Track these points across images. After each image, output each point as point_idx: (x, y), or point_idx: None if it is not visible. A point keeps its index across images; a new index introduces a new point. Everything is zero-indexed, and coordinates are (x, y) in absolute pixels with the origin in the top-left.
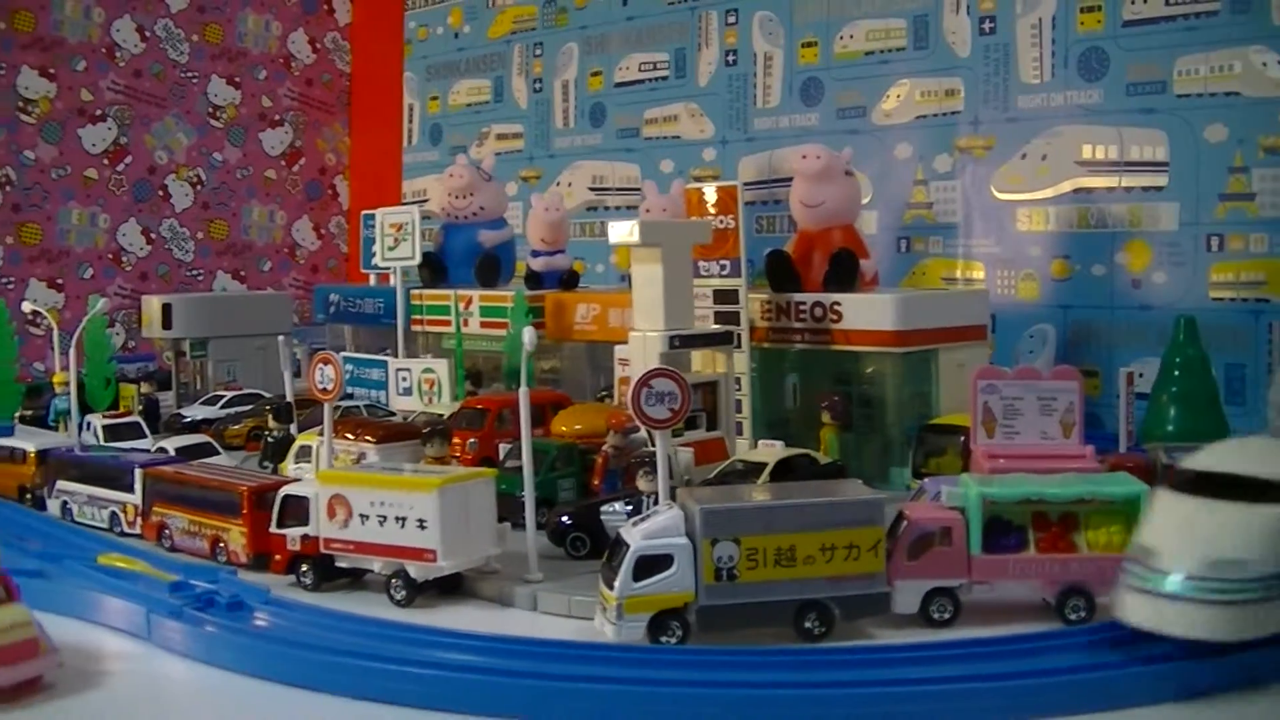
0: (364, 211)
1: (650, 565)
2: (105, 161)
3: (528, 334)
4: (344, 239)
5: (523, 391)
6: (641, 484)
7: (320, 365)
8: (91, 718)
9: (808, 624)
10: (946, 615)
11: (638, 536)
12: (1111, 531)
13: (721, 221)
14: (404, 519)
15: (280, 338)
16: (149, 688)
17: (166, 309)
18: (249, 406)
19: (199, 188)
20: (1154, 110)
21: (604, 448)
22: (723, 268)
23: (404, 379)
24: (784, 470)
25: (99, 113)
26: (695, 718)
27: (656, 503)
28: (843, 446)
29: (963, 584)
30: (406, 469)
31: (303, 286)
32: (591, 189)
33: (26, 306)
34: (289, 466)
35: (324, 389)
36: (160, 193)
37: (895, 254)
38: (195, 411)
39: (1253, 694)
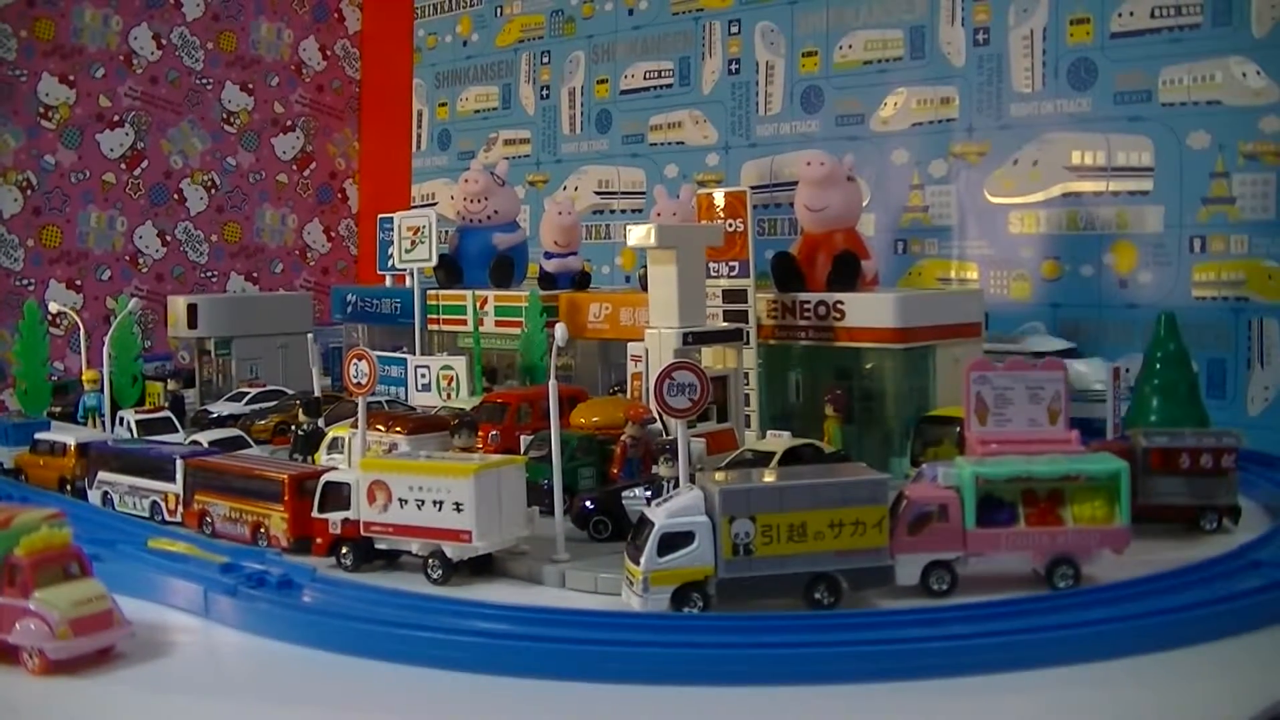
0: (381, 215)
1: (673, 541)
2: (123, 166)
3: (559, 329)
4: (354, 242)
5: (551, 384)
6: (662, 469)
7: (355, 360)
8: (161, 683)
9: (818, 595)
10: (945, 586)
11: (662, 515)
12: (1095, 505)
13: (731, 225)
14: (441, 503)
15: (309, 336)
16: (210, 657)
17: (192, 309)
18: (273, 403)
19: (213, 191)
20: (1140, 118)
21: (623, 438)
22: (731, 269)
23: (423, 375)
24: (791, 458)
25: (117, 118)
26: (716, 676)
27: (676, 486)
28: (845, 438)
29: (959, 557)
30: (443, 457)
31: (313, 288)
32: (598, 193)
33: (53, 307)
34: (322, 457)
35: (358, 383)
36: (176, 196)
37: (893, 255)
38: (221, 408)
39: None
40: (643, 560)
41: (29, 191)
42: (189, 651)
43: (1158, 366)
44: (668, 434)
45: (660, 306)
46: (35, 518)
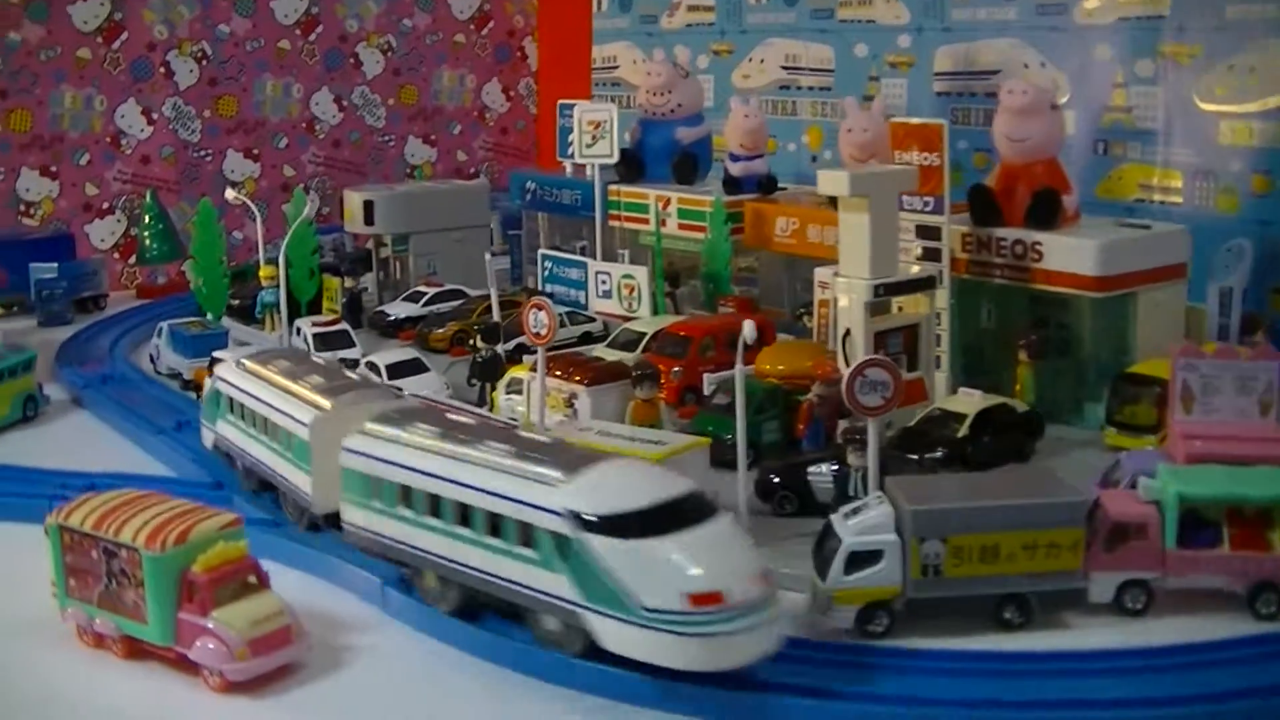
0: (561, 101)
1: (861, 560)
2: (298, 32)
3: (747, 327)
4: (533, 101)
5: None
6: (851, 459)
7: (534, 311)
8: (337, 703)
9: (1007, 615)
10: (1140, 605)
11: (850, 532)
12: None
13: (926, 159)
14: None
15: (487, 256)
16: (385, 671)
17: (369, 205)
18: (452, 304)
19: (389, 55)
20: None
21: (809, 396)
22: (926, 204)
23: (603, 282)
24: (983, 422)
25: None
26: None
27: (864, 478)
28: (1038, 381)
29: (1157, 577)
30: (628, 439)
31: (492, 149)
32: (784, 68)
33: (228, 195)
34: (500, 398)
35: (538, 334)
36: (351, 61)
37: (1092, 156)
38: (398, 309)
39: None
40: (829, 577)
41: (204, 62)
42: (365, 663)
43: None
44: None
45: (851, 255)
46: (211, 528)
